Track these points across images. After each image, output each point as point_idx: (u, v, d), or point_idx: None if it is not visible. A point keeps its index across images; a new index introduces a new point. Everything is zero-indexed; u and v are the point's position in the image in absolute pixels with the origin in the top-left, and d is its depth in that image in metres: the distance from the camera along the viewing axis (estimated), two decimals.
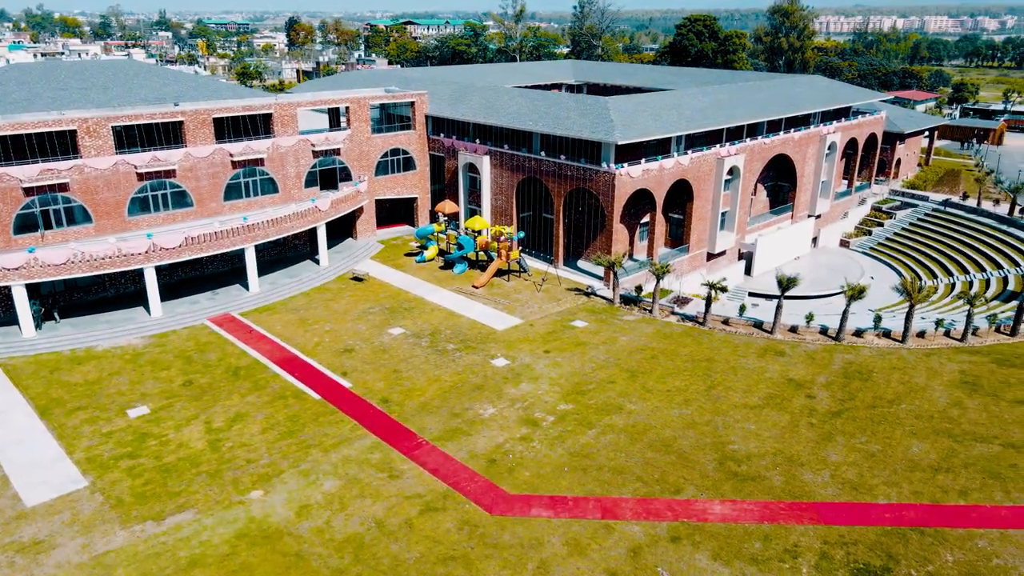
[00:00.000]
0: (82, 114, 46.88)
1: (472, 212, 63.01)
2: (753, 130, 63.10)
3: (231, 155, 52.40)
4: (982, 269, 60.75)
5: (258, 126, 54.96)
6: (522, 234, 56.17)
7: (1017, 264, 59.03)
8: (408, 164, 63.87)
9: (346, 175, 60.03)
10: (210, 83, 60.63)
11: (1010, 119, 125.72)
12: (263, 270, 52.99)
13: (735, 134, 61.43)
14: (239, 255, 50.51)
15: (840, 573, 25.58)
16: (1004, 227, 66.32)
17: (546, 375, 39.73)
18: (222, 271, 53.54)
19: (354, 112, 59.19)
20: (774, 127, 65.47)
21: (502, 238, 53.53)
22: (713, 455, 32.47)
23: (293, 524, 27.94)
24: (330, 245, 58.74)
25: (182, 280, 51.76)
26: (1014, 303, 48.01)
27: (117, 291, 49.57)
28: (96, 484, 30.31)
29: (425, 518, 28.27)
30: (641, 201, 55.63)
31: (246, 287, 50.48)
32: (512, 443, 33.40)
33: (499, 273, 54.48)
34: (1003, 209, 70.92)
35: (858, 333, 44.99)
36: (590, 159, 52.49)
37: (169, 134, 51.05)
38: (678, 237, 59.93)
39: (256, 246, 49.80)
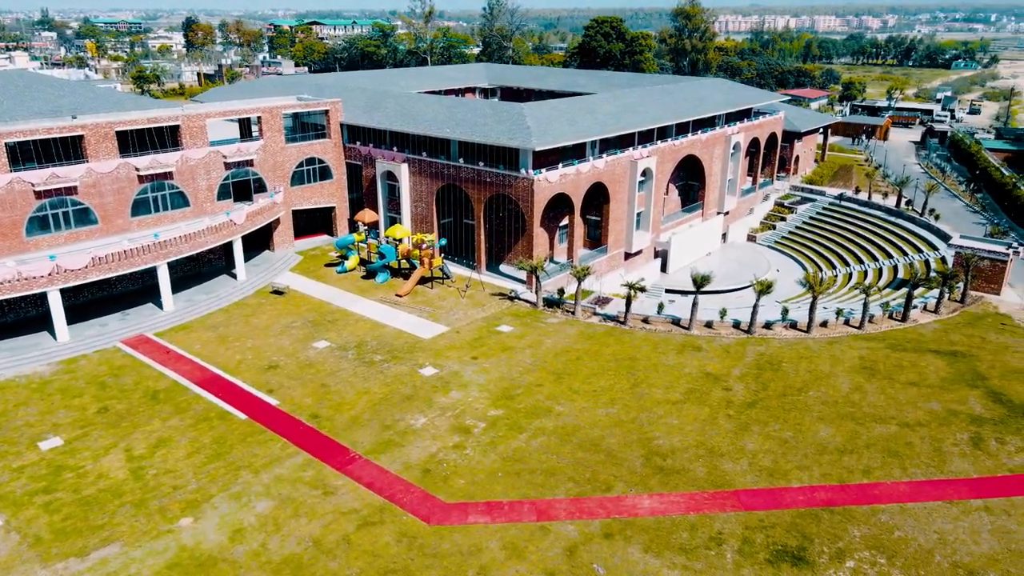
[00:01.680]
0: None
1: (392, 220, 62.84)
2: (663, 132, 65.50)
3: (137, 169, 50.44)
4: (875, 259, 65.21)
5: (165, 138, 53.04)
6: (444, 241, 56.49)
7: (905, 253, 63.68)
8: (324, 173, 63.03)
9: (260, 186, 58.70)
10: (111, 95, 58.09)
11: (894, 115, 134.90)
12: (177, 287, 51.27)
13: (647, 137, 63.62)
14: (151, 272, 48.70)
15: (761, 556, 27.29)
16: (892, 219, 71.31)
17: (475, 381, 40.29)
18: (133, 290, 51.47)
19: (266, 122, 57.96)
20: (683, 129, 68.15)
21: (424, 245, 53.71)
22: (640, 451, 33.85)
23: (227, 549, 27.47)
24: (247, 258, 57.34)
25: (90, 301, 49.44)
26: (904, 290, 51.85)
27: (17, 316, 46.91)
28: (11, 523, 28.85)
29: (363, 533, 28.35)
30: (560, 204, 56.94)
31: (160, 306, 48.74)
32: (445, 452, 33.80)
33: (422, 281, 54.63)
34: (891, 201, 76.24)
35: (768, 325, 47.65)
36: (508, 165, 53.34)
37: (68, 149, 48.61)
38: (596, 238, 61.63)
39: (169, 263, 48.11)
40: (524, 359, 43.00)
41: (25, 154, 47.19)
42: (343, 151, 63.68)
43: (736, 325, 47.89)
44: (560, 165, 53.96)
